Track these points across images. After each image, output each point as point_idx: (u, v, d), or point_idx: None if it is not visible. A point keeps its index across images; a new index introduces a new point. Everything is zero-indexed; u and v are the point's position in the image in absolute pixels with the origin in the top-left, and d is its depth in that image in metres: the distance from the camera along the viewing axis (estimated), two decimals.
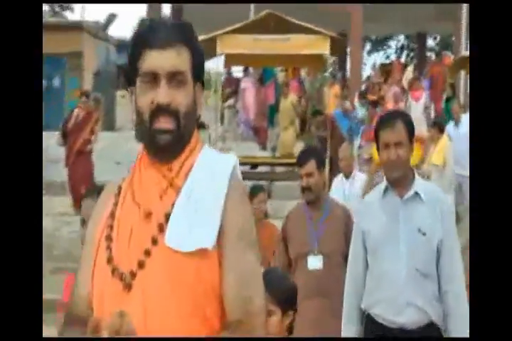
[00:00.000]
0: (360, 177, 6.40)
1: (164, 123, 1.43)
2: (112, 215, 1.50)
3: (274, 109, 12.96)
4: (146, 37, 1.48)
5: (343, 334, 2.89)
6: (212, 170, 1.48)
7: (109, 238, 1.47)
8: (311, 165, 3.61)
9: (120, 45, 18.02)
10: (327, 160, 9.16)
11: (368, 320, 2.78)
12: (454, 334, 2.68)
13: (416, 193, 2.74)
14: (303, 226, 3.64)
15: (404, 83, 13.77)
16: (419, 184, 2.80)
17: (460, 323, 2.63)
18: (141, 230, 1.44)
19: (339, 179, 6.36)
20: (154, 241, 1.41)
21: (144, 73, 1.46)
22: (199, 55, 1.56)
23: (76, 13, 19.89)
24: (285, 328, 2.37)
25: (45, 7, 20.48)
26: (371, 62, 23.65)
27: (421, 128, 10.93)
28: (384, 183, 2.84)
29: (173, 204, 1.44)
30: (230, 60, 11.32)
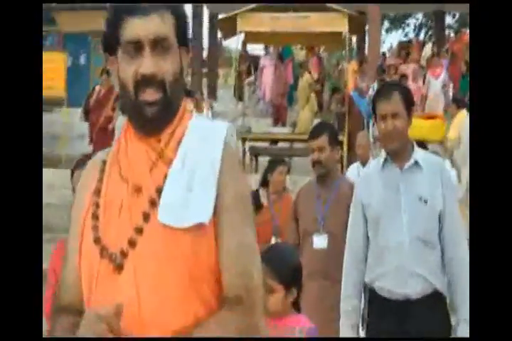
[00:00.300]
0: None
1: (150, 94, 1.31)
2: (98, 192, 1.37)
3: (292, 88, 12.87)
4: (126, 4, 1.36)
5: (342, 309, 2.80)
6: (204, 138, 1.36)
7: (95, 217, 1.34)
8: (322, 139, 3.47)
9: None
10: (345, 137, 9.21)
11: (371, 295, 2.71)
12: (458, 303, 2.62)
13: (415, 162, 2.67)
14: (311, 204, 3.50)
15: (423, 61, 13.57)
16: (418, 154, 2.72)
17: (464, 291, 2.56)
18: (131, 206, 1.31)
19: (355, 166, 6.23)
20: (146, 218, 1.29)
21: (126, 42, 1.33)
22: (183, 19, 1.43)
23: None
24: (289, 305, 2.27)
25: None
26: (389, 40, 23.31)
27: (439, 105, 10.86)
28: (383, 155, 2.76)
29: (164, 177, 1.31)
30: (250, 38, 11.25)
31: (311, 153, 3.57)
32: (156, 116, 1.32)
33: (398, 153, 2.69)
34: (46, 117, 11.52)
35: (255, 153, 9.86)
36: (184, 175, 1.31)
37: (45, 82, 9.71)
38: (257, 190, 4.68)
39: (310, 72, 12.59)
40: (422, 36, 26.47)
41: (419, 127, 5.64)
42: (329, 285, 3.30)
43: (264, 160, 10.04)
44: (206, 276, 1.29)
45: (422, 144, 5.02)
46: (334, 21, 9.59)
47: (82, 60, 15.07)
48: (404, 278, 2.58)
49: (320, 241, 3.39)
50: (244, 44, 13.51)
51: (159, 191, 1.30)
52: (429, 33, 26.33)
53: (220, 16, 13.28)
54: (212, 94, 15.68)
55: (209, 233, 1.29)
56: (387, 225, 2.65)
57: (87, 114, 9.33)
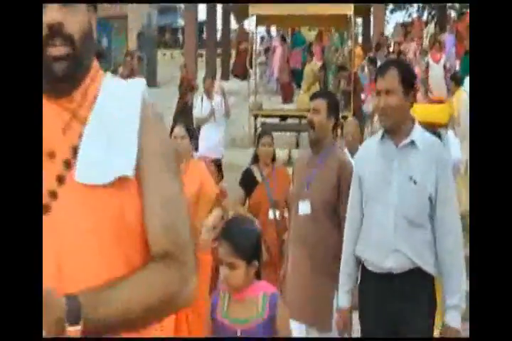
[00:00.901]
0: None
1: (57, 48, 1.13)
2: None
3: (300, 73, 12.88)
4: None
5: (340, 275, 2.72)
6: (120, 96, 1.22)
7: None
8: (320, 103, 3.25)
9: (161, 8, 17.90)
10: (350, 114, 9.26)
11: (362, 268, 2.61)
12: (447, 290, 2.47)
13: (412, 142, 2.48)
14: (302, 171, 3.35)
15: (425, 40, 13.44)
16: (417, 133, 2.52)
17: (454, 278, 2.44)
18: (45, 173, 1.13)
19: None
20: (60, 180, 1.13)
21: None
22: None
23: None
24: (251, 278, 2.15)
25: None
26: (394, 20, 22.97)
27: (441, 89, 10.72)
28: (381, 130, 2.61)
29: (80, 137, 1.15)
30: (261, 20, 11.23)
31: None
32: (65, 72, 1.14)
33: (394, 130, 2.52)
34: None
35: (266, 129, 9.94)
36: (101, 132, 1.16)
37: None
38: (250, 169, 4.54)
39: (292, 61, 12.67)
40: (425, 16, 26.08)
41: (426, 112, 5.54)
42: (305, 251, 3.18)
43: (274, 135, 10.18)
44: (132, 233, 1.16)
45: (435, 132, 4.93)
46: (340, 5, 9.57)
47: (104, 42, 15.13)
48: (385, 253, 2.46)
49: (303, 207, 3.22)
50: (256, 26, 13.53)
51: (75, 151, 1.15)
52: (432, 13, 25.94)
53: None
54: (225, 73, 15.71)
55: (132, 189, 1.16)
56: (377, 200, 2.53)
57: None
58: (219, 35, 17.11)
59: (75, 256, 1.11)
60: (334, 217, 3.15)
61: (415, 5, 27.94)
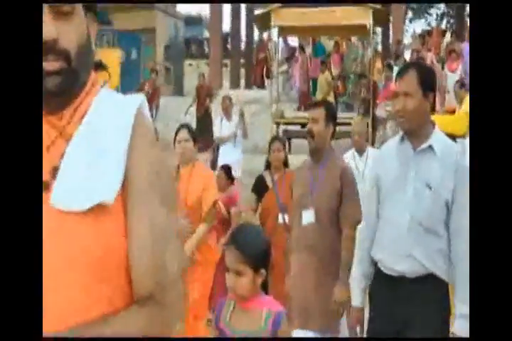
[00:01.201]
0: (373, 153, 5.33)
1: (51, 63, 1.01)
2: None
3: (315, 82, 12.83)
4: None
5: (353, 274, 2.67)
6: (113, 111, 1.08)
7: None
8: (318, 112, 3.20)
9: (187, 20, 18.10)
10: (370, 121, 9.24)
11: (376, 268, 2.50)
12: (456, 298, 2.33)
13: (430, 146, 2.35)
14: (304, 180, 3.26)
15: (443, 49, 13.31)
16: (436, 138, 2.39)
17: (462, 287, 2.29)
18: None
19: (350, 153, 5.36)
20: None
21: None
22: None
23: None
24: (258, 287, 2.05)
25: None
26: (413, 29, 22.83)
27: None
28: (401, 132, 2.49)
29: (62, 156, 1.02)
30: (283, 31, 11.28)
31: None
32: (58, 88, 1.02)
33: (412, 133, 2.40)
34: None
35: (288, 136, 9.95)
36: (85, 151, 1.03)
37: (100, 75, 10.02)
38: (262, 175, 4.60)
39: (330, 70, 12.60)
40: (443, 25, 25.86)
41: (444, 123, 5.39)
42: (310, 260, 3.10)
43: (295, 142, 10.20)
44: (117, 269, 1.00)
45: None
46: (359, 14, 9.56)
47: (134, 55, 15.33)
48: (399, 256, 2.36)
49: (307, 217, 3.14)
50: (278, 36, 13.59)
51: (54, 172, 1.02)
52: (451, 21, 25.71)
53: (256, 12, 13.32)
54: (249, 82, 15.78)
55: (116, 216, 1.00)
56: (393, 202, 2.42)
57: None
58: (243, 45, 17.23)
59: (53, 290, 0.97)
60: (335, 225, 3.10)
61: (434, 14, 27.77)
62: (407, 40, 18.54)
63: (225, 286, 4.77)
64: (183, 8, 22.90)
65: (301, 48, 13.80)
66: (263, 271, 2.02)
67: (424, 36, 14.61)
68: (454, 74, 10.48)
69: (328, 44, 14.98)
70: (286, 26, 10.55)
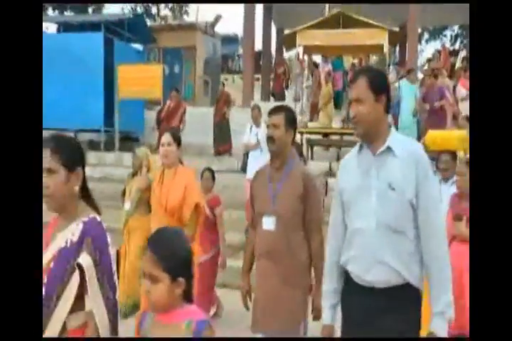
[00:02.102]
0: None
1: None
2: None
3: (341, 94, 12.75)
4: None
5: (323, 289, 2.38)
6: None
7: None
8: (278, 118, 2.95)
9: (224, 39, 18.36)
10: None
11: (346, 278, 2.26)
12: (432, 296, 2.09)
13: (388, 148, 2.17)
14: (264, 186, 2.96)
15: (458, 65, 13.10)
16: (394, 139, 2.20)
17: (437, 285, 2.08)
18: None
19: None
20: None
21: None
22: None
23: (191, 16, 20.34)
24: (178, 297, 1.69)
25: (168, 12, 21.01)
26: (428, 49, 22.60)
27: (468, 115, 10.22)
28: (359, 141, 2.31)
29: None
30: (307, 50, 11.42)
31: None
32: None
33: (369, 138, 2.21)
34: (148, 113, 12.13)
35: (311, 144, 10.09)
36: None
37: (146, 87, 10.30)
38: None
39: (333, 84, 12.54)
40: (457, 45, 25.53)
41: (444, 139, 5.11)
42: (273, 265, 2.85)
43: (317, 149, 10.31)
44: None
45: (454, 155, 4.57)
46: (375, 35, 9.64)
47: (177, 69, 15.62)
48: (369, 264, 2.12)
49: (268, 223, 2.88)
50: (303, 55, 13.69)
51: None
52: (464, 42, 25.34)
53: (285, 32, 13.46)
54: (280, 92, 15.87)
55: None
56: (358, 209, 2.20)
57: (159, 124, 9.13)
58: (273, 61, 17.38)
59: None
60: (301, 231, 2.87)
61: (448, 35, 27.39)
62: (423, 59, 18.39)
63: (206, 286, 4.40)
64: (220, 29, 23.18)
65: (315, 65, 13.80)
66: (182, 279, 1.67)
67: (437, 56, 14.47)
68: (467, 92, 10.24)
69: (349, 60, 15.00)
70: (310, 46, 10.68)
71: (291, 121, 3.00)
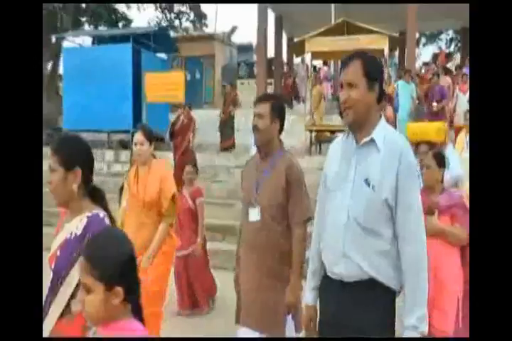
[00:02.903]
0: None
1: None
2: None
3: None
4: None
5: (308, 272, 2.09)
6: None
7: None
8: (263, 107, 2.58)
9: (239, 47, 18.31)
10: None
11: (323, 266, 2.00)
12: (406, 307, 1.77)
13: (372, 140, 1.83)
14: (251, 176, 2.64)
15: (452, 68, 12.89)
16: (380, 131, 1.84)
17: (411, 293, 1.76)
18: None
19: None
20: None
21: None
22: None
23: (210, 27, 20.38)
24: (118, 308, 1.35)
25: (189, 24, 21.02)
26: (425, 52, 22.24)
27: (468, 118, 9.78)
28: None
29: None
30: (315, 55, 11.32)
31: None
32: None
33: (357, 126, 1.88)
34: (172, 116, 12.15)
35: (319, 141, 10.05)
36: None
37: (170, 92, 10.33)
38: None
39: (321, 84, 12.32)
40: (452, 48, 25.12)
41: (423, 131, 4.71)
42: (257, 258, 2.53)
43: (325, 146, 10.28)
44: None
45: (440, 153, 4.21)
46: (377, 41, 9.54)
47: (197, 75, 15.64)
48: (337, 257, 1.85)
49: (253, 214, 2.55)
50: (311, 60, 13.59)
51: None
52: (458, 45, 24.93)
53: (295, 40, 13.40)
54: (289, 100, 15.83)
55: None
56: (333, 200, 1.90)
57: (171, 137, 8.78)
58: (285, 67, 17.30)
59: None
60: (284, 222, 2.52)
61: (444, 38, 26.95)
62: (420, 62, 18.13)
63: (204, 283, 4.38)
64: (236, 39, 23.13)
65: (314, 69, 13.64)
66: (119, 288, 1.34)
67: (436, 57, 14.27)
68: (464, 95, 9.81)
69: None
70: (318, 52, 10.61)
71: (277, 111, 2.60)
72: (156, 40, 12.02)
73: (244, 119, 10.59)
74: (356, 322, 1.80)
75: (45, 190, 1.65)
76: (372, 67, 1.88)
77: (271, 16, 15.67)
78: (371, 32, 9.63)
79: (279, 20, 15.56)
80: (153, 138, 3.45)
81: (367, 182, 1.81)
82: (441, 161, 3.21)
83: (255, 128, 2.59)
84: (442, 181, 3.21)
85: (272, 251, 2.52)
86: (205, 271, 4.71)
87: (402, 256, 1.79)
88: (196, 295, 4.61)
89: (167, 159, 3.92)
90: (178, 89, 10.10)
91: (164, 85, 10.19)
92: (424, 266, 1.79)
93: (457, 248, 2.99)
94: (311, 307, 2.06)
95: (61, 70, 13.26)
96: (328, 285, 1.94)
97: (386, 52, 9.80)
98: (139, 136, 3.39)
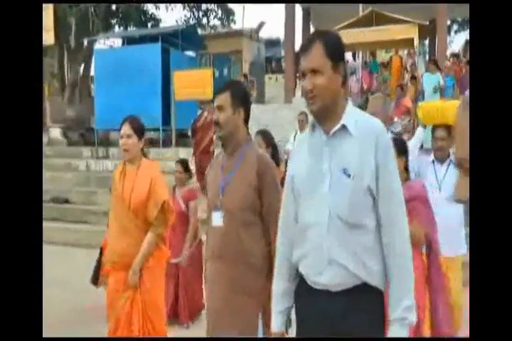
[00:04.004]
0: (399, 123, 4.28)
1: None
2: None
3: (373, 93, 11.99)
4: None
5: (273, 292, 1.82)
6: None
7: None
8: (222, 98, 2.23)
9: (267, 42, 18.21)
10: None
11: (300, 279, 1.74)
12: (391, 299, 1.60)
13: (343, 126, 1.63)
14: (216, 177, 2.29)
15: None
16: (350, 116, 1.66)
17: (396, 285, 1.59)
18: None
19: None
20: None
21: None
22: None
23: (238, 24, 20.35)
24: None
25: (217, 21, 21.05)
26: (458, 39, 21.44)
27: None
28: (312, 120, 1.75)
29: None
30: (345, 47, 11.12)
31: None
32: None
33: (324, 114, 1.67)
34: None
35: None
36: None
37: (199, 89, 10.36)
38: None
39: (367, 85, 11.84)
40: None
41: (440, 109, 3.64)
42: (223, 264, 2.19)
43: None
44: None
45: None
46: (407, 30, 9.29)
47: (225, 72, 15.66)
48: (322, 265, 1.62)
49: (217, 218, 2.21)
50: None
51: None
52: None
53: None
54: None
55: None
56: (308, 200, 1.67)
57: (193, 133, 8.41)
58: None
59: None
60: (257, 227, 2.19)
61: None
62: (452, 50, 17.53)
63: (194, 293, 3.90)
64: (264, 34, 23.03)
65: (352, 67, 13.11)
66: None
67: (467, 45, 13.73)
68: None
69: (382, 55, 14.45)
70: (347, 44, 10.41)
71: (239, 99, 2.25)
72: (184, 38, 12.07)
73: (272, 115, 10.51)
74: (351, 329, 1.59)
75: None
76: (335, 46, 1.66)
77: (298, 10, 15.48)
78: (400, 21, 9.37)
79: (307, 14, 15.35)
80: (144, 132, 2.94)
81: (345, 172, 1.61)
82: (401, 148, 2.78)
83: (216, 123, 2.24)
84: (407, 170, 2.85)
85: (242, 260, 2.16)
86: (196, 282, 4.10)
87: (386, 247, 1.61)
88: (178, 306, 4.13)
89: (157, 161, 3.39)
90: (207, 86, 10.13)
91: (192, 83, 10.24)
92: (410, 255, 1.63)
93: (417, 248, 2.61)
94: (279, 334, 1.79)
95: (93, 72, 13.53)
96: (308, 297, 1.68)
97: (416, 41, 9.50)
98: (125, 128, 2.88)
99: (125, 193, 2.86)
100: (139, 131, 2.91)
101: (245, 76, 10.13)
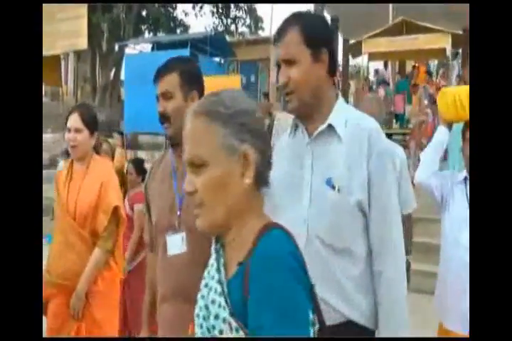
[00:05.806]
0: None
1: None
2: None
3: (402, 116, 11.30)
4: None
5: None
6: None
7: None
8: (168, 81, 1.62)
9: None
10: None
11: None
12: (382, 333, 1.29)
13: (330, 126, 1.34)
14: (165, 185, 1.63)
15: None
16: (339, 114, 1.35)
17: (388, 319, 1.28)
18: None
19: None
20: None
21: None
22: None
23: (266, 31, 20.50)
24: None
25: (245, 29, 21.20)
26: None
27: None
28: (293, 120, 1.45)
29: None
30: (372, 57, 11.01)
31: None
32: None
33: (305, 114, 1.38)
34: None
35: None
36: None
37: None
38: None
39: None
40: None
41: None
42: (188, 308, 1.17)
43: None
44: None
45: None
46: (438, 39, 9.12)
47: (252, 79, 15.71)
48: None
49: (174, 243, 1.53)
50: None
51: None
52: None
53: (351, 42, 13.10)
54: (345, 99, 15.44)
55: None
56: (285, 214, 1.26)
57: None
58: (340, 68, 17.00)
59: None
60: None
61: None
62: None
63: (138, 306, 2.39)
64: None
65: (384, 82, 12.50)
66: None
67: None
68: None
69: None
70: (375, 53, 10.29)
71: (189, 79, 1.63)
72: (212, 44, 12.18)
73: None
74: None
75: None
76: (315, 31, 1.34)
77: (327, 18, 15.38)
78: (431, 30, 9.21)
79: (335, 22, 15.27)
80: (97, 125, 2.38)
81: (330, 183, 1.28)
82: None
83: (162, 115, 1.60)
84: None
85: None
86: (143, 292, 3.45)
87: (377, 276, 1.29)
88: (128, 324, 3.38)
89: (108, 159, 2.87)
90: None
91: (220, 89, 10.30)
92: (404, 290, 1.31)
93: None
94: None
95: (123, 77, 13.76)
96: None
97: (448, 51, 9.32)
98: (73, 120, 2.31)
99: (70, 200, 2.31)
100: (91, 124, 2.34)
101: (266, 95, 9.80)
